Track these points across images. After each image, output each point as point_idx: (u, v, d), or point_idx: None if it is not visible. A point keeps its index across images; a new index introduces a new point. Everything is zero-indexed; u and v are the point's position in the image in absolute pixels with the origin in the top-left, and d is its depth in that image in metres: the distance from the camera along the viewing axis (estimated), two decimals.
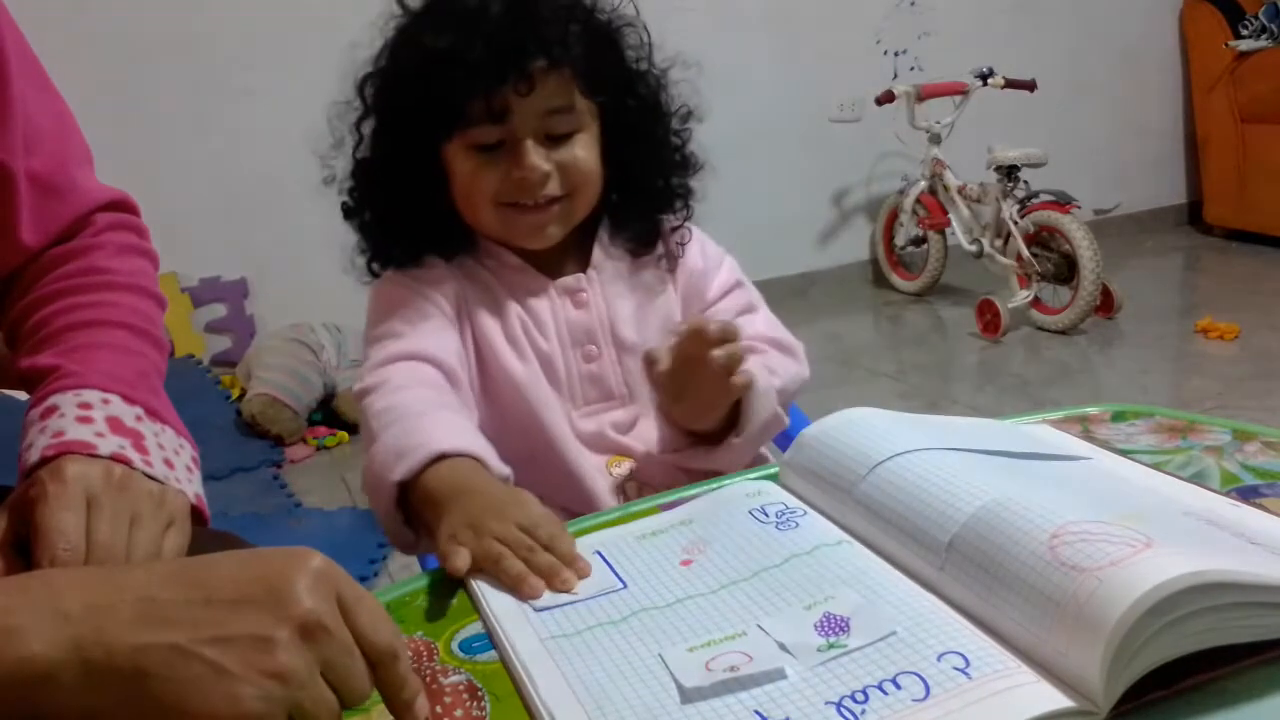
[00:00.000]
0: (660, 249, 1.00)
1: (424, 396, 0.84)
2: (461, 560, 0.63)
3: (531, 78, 0.86)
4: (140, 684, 0.42)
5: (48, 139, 0.80)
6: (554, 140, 0.89)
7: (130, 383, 0.76)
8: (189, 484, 0.75)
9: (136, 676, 0.42)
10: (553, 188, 0.90)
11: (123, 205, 0.86)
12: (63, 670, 0.42)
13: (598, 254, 0.98)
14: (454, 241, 0.96)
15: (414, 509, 0.76)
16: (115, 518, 0.64)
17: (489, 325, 0.94)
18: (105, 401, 0.73)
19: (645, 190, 0.98)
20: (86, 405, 0.71)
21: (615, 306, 0.97)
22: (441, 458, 0.74)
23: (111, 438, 0.70)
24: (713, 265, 1.02)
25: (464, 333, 0.95)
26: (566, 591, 0.61)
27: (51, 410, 0.71)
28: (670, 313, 1.00)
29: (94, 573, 0.45)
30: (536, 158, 0.88)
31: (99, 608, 0.43)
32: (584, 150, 0.91)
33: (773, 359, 0.94)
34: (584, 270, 0.98)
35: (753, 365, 0.85)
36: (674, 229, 1.01)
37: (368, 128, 0.94)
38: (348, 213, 0.97)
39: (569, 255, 0.98)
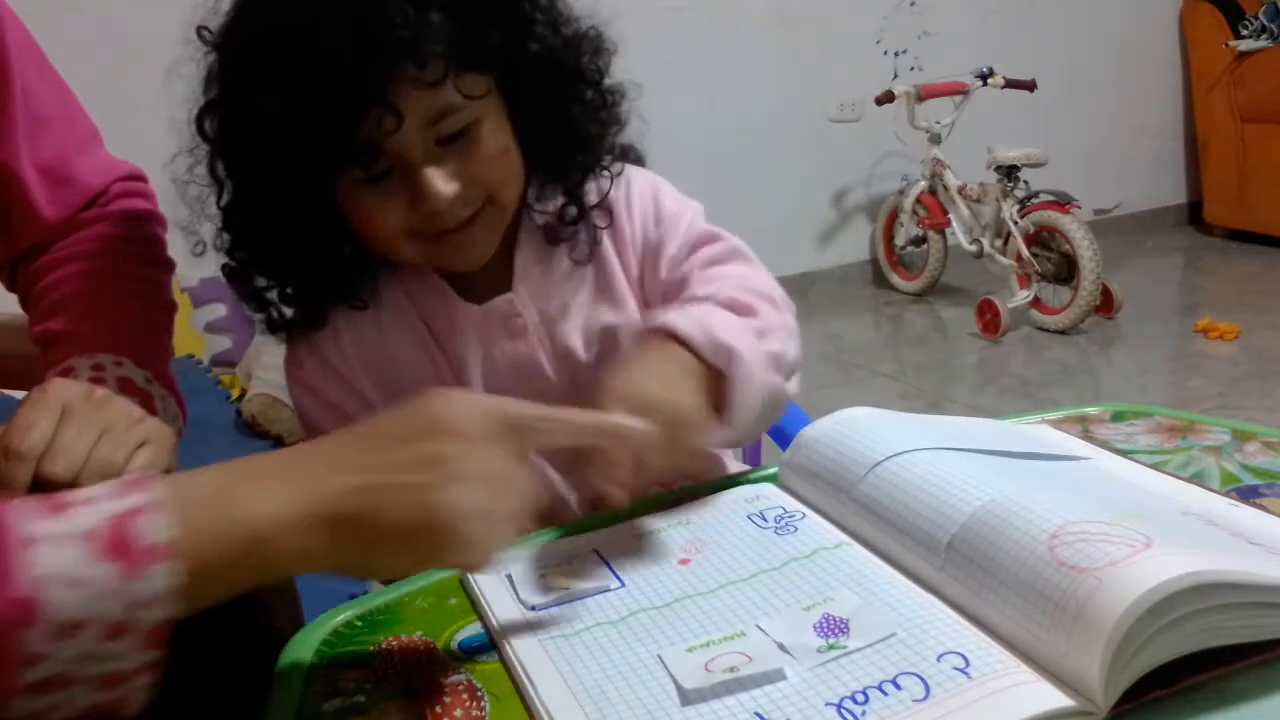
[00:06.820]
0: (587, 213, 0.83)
1: None
2: None
3: (397, 107, 0.68)
4: (346, 525, 0.49)
5: (54, 128, 0.83)
6: (451, 141, 0.72)
7: (143, 345, 0.79)
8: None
9: (340, 521, 0.49)
10: (469, 205, 0.74)
11: (134, 177, 0.90)
12: (286, 528, 0.48)
13: (521, 260, 0.82)
14: (367, 279, 0.80)
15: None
16: (83, 426, 0.66)
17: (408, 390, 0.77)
18: (118, 364, 0.76)
19: (569, 147, 0.80)
20: (100, 367, 0.75)
21: (558, 320, 0.82)
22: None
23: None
24: (670, 211, 0.85)
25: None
26: None
27: (68, 371, 0.74)
28: (620, 288, 0.84)
29: (286, 450, 0.52)
30: (438, 183, 0.71)
31: (301, 469, 0.50)
32: (491, 140, 0.74)
33: (768, 318, 0.76)
34: (509, 280, 0.82)
35: (738, 335, 0.70)
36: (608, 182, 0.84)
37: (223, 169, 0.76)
38: (232, 275, 0.79)
39: (492, 259, 0.80)
